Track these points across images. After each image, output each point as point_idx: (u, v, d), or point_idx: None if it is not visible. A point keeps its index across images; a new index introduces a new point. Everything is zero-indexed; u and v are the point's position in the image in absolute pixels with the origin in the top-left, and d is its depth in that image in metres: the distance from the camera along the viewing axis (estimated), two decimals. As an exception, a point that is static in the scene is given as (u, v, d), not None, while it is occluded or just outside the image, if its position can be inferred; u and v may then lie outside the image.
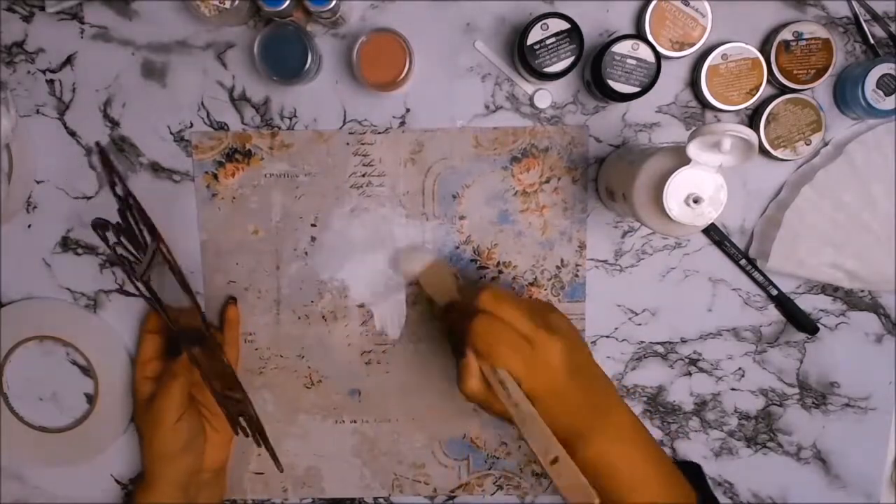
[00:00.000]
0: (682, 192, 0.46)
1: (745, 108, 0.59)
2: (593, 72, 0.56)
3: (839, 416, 0.64)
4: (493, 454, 0.66)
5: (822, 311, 0.63)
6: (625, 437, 0.50)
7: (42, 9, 0.59)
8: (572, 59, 0.55)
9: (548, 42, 0.54)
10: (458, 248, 0.63)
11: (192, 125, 0.61)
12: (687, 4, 0.57)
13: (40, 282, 0.64)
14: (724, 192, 0.46)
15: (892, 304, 0.62)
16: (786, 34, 0.57)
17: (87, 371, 0.65)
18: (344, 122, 0.61)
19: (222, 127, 0.61)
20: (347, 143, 0.61)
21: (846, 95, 0.58)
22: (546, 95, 0.60)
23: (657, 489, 0.49)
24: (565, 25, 0.54)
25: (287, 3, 0.54)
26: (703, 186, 0.46)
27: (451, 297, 0.59)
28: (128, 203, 0.52)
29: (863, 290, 0.62)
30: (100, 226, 0.51)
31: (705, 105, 0.59)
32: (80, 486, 0.67)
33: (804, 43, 0.57)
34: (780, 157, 0.59)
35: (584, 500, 0.43)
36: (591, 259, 0.63)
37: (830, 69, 0.57)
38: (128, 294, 0.63)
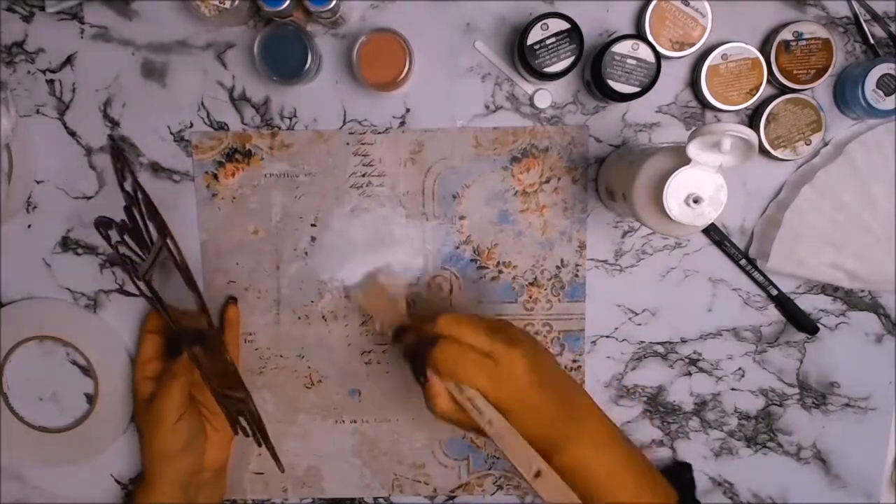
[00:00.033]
0: (682, 192, 0.46)
1: (745, 108, 0.59)
2: (593, 72, 0.56)
3: (839, 416, 0.64)
4: (493, 454, 0.66)
5: (822, 311, 0.63)
6: (598, 442, 0.50)
7: (42, 9, 0.59)
8: (572, 59, 0.55)
9: (548, 42, 0.54)
10: (458, 248, 0.63)
11: (192, 125, 0.61)
12: (687, 4, 0.57)
13: (40, 282, 0.64)
14: (724, 192, 0.46)
15: (892, 304, 0.62)
16: (786, 34, 0.57)
17: (87, 371, 0.65)
18: (344, 122, 0.61)
19: (222, 127, 0.61)
20: (347, 143, 0.61)
21: (846, 95, 0.58)
22: (546, 95, 0.60)
23: (634, 490, 0.50)
24: (565, 25, 0.54)
25: (287, 3, 0.54)
26: (703, 186, 0.45)
27: (399, 322, 0.58)
28: (136, 198, 0.51)
29: (863, 290, 0.62)
30: (103, 224, 0.50)
31: (705, 105, 0.59)
32: (80, 486, 0.67)
33: (804, 43, 0.57)
34: (780, 157, 0.59)
35: None
36: (591, 259, 0.63)
37: (830, 69, 0.57)
38: (128, 294, 0.63)
